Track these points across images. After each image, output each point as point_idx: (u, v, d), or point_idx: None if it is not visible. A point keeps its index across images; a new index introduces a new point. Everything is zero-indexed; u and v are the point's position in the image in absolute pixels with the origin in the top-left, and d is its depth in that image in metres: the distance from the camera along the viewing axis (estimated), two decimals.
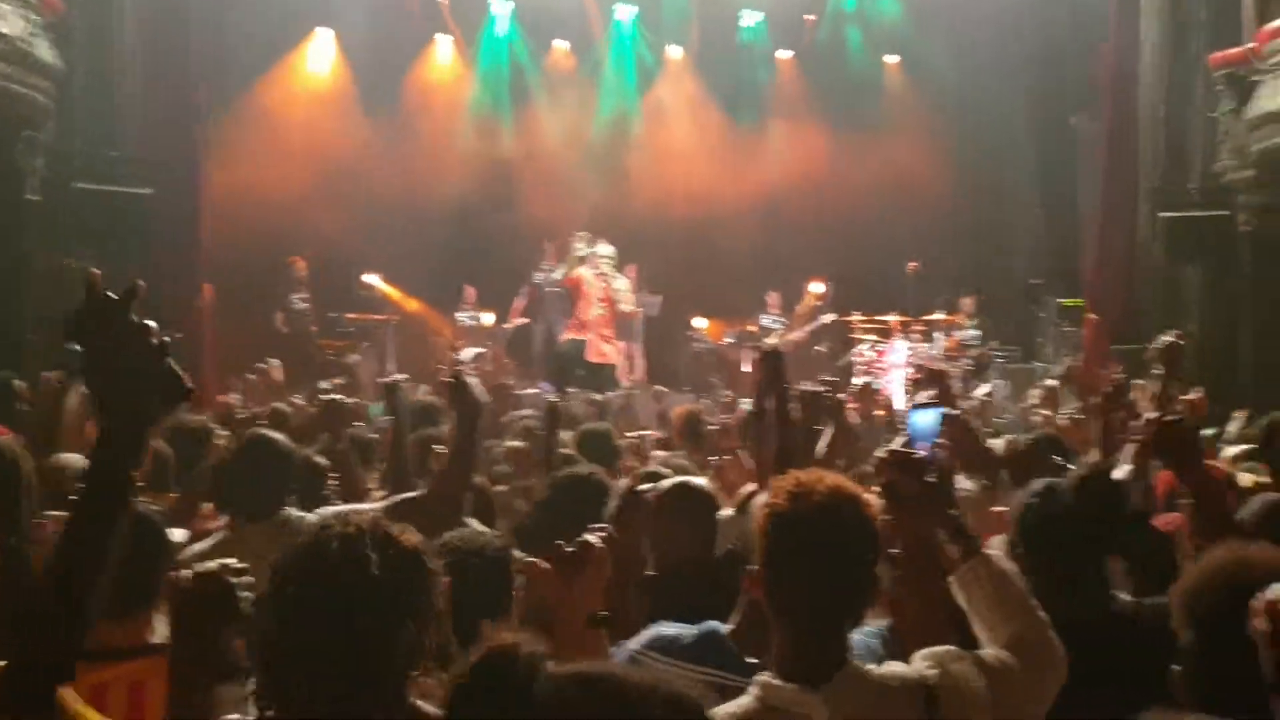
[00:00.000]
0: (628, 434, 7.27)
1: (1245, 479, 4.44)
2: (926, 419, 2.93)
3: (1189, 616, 2.09)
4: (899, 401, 11.84)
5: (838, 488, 2.10)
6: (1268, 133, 11.60)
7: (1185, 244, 12.79)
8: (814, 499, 2.06)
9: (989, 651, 2.17)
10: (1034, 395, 9.95)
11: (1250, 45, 12.02)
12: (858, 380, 13.61)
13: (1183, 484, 3.18)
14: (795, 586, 2.05)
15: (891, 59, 16.65)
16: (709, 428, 6.60)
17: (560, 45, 16.65)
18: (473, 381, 3.71)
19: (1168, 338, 5.42)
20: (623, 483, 3.12)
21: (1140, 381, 6.97)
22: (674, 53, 16.75)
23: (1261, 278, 12.14)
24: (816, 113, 15.85)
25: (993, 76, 14.98)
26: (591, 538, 2.13)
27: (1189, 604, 2.10)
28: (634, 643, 2.50)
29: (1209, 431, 6.77)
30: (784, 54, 16.93)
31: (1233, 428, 6.89)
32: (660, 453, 6.26)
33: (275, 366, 8.38)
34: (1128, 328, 13.01)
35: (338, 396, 5.51)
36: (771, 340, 14.24)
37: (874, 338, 14.48)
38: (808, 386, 3.05)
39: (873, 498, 2.18)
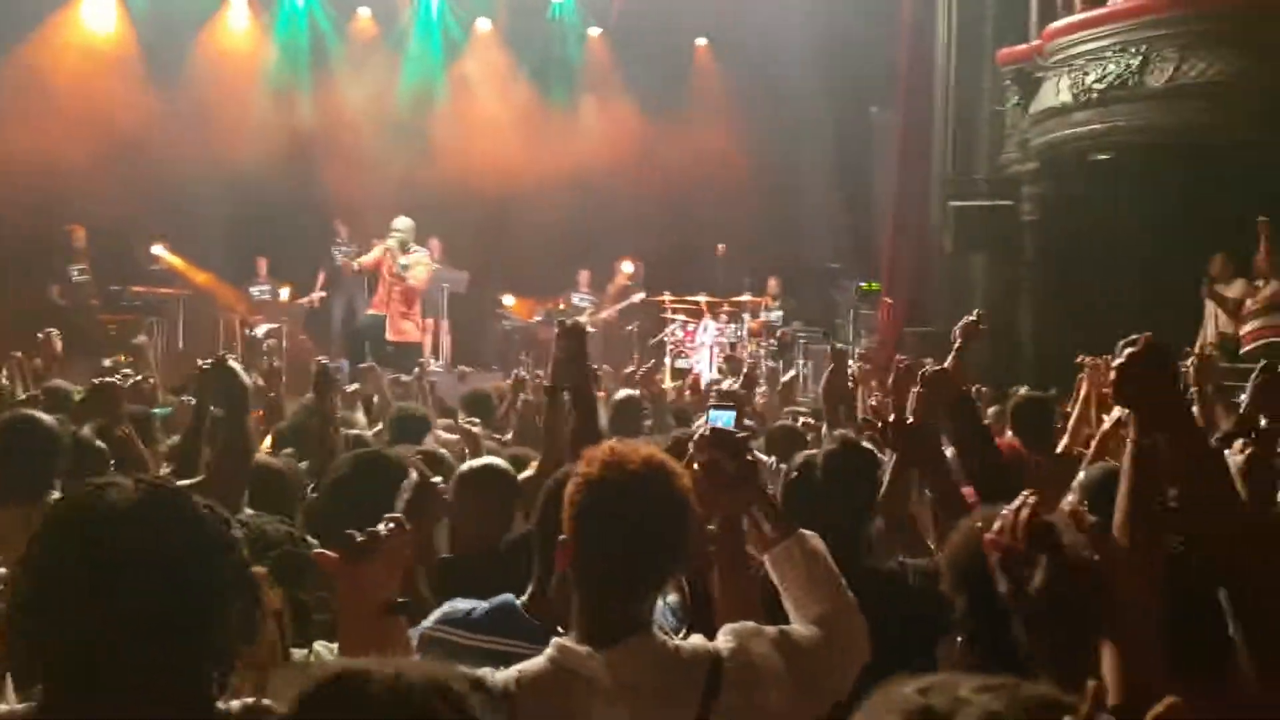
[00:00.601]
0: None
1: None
2: (723, 418, 2.94)
3: (957, 582, 2.13)
4: (705, 379, 11.99)
5: (651, 458, 2.09)
6: (1049, 127, 12.27)
7: (973, 232, 13.39)
8: (627, 468, 2.06)
9: (796, 628, 2.20)
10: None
11: (1035, 43, 12.68)
12: (668, 360, 13.85)
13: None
14: (601, 553, 2.05)
15: (700, 41, 16.82)
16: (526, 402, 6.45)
17: (363, 13, 16.12)
18: (237, 366, 3.57)
19: (970, 318, 5.66)
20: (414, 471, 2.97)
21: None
22: (483, 25, 16.45)
23: (1042, 265, 12.85)
24: (627, 91, 15.85)
25: (797, 64, 15.31)
26: (381, 528, 2.02)
27: (954, 569, 2.15)
28: (426, 621, 2.46)
29: (994, 409, 7.10)
30: (594, 31, 16.88)
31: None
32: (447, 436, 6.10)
33: (55, 335, 7.74)
34: (920, 311, 13.58)
35: (110, 379, 5.14)
36: (581, 318, 14.23)
37: (683, 318, 14.65)
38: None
39: (683, 469, 2.17)
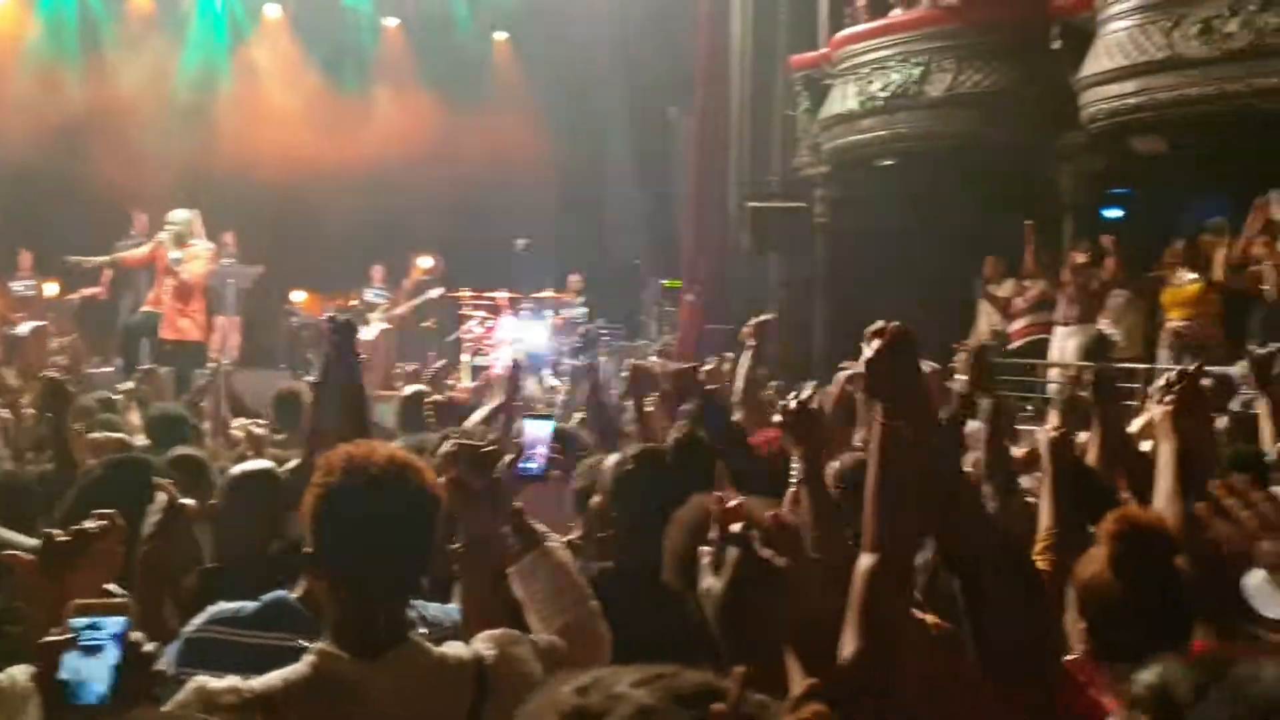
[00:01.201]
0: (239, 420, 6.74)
1: None
2: (539, 428, 2.87)
3: (678, 576, 2.16)
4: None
5: (393, 459, 2.02)
6: (838, 133, 12.70)
7: (769, 232, 13.73)
8: (368, 472, 1.99)
9: (542, 637, 2.20)
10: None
11: (824, 51, 13.09)
12: (466, 357, 13.64)
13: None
14: (350, 560, 1.98)
15: (500, 35, 16.66)
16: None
17: None
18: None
19: (764, 317, 5.79)
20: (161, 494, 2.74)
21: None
22: (272, 11, 15.82)
23: (833, 264, 13.30)
24: (424, 84, 15.54)
25: (597, 63, 15.38)
26: (90, 524, 1.85)
27: (673, 562, 2.18)
28: (192, 623, 2.32)
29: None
30: (390, 21, 16.47)
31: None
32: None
33: None
34: (721, 308, 13.83)
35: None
36: (375, 315, 13.85)
37: (483, 314, 14.46)
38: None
39: (427, 467, 2.11)
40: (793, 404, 2.98)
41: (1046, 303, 10.15)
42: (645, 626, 2.21)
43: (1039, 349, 10.04)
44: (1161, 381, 2.37)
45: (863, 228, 12.54)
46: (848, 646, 1.94)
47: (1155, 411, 2.22)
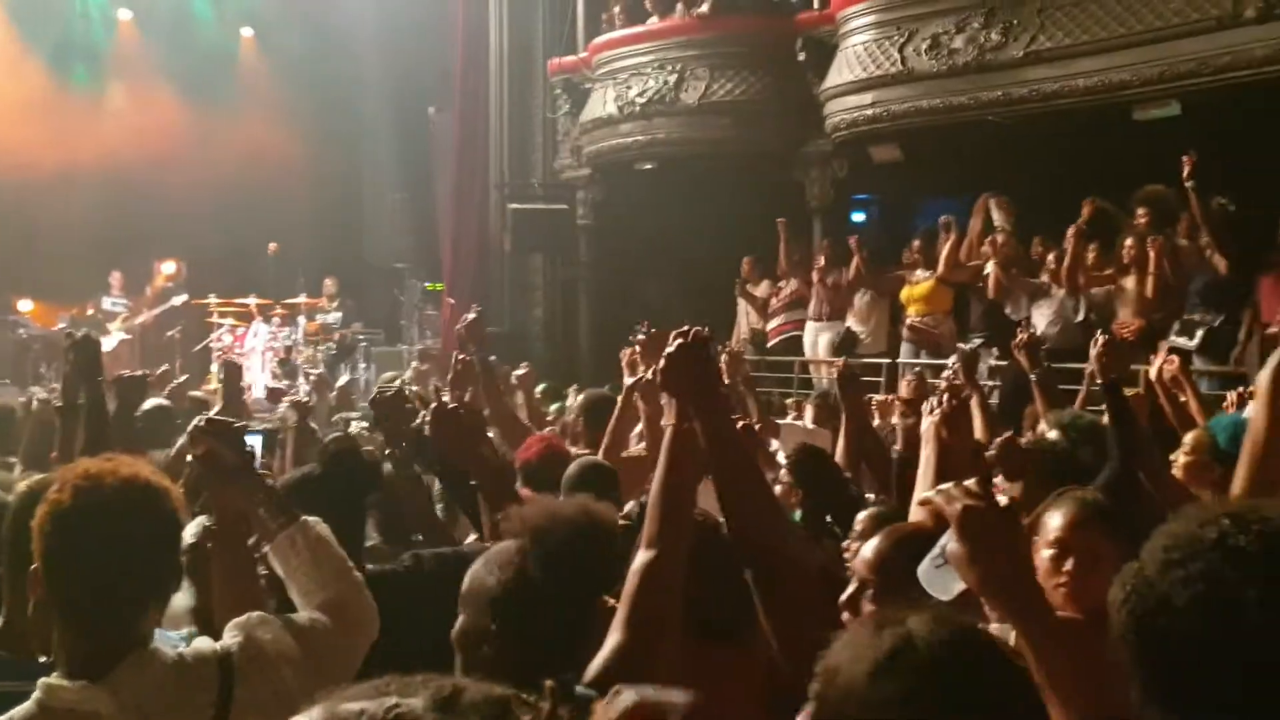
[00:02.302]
0: None
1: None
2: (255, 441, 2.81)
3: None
4: (259, 389, 11.37)
5: (131, 478, 1.94)
6: (598, 136, 12.84)
7: (531, 234, 13.73)
8: (103, 491, 1.90)
9: (303, 614, 2.16)
10: (405, 377, 10.06)
11: (583, 56, 13.22)
12: (215, 366, 12.97)
13: None
14: (80, 579, 1.89)
15: (247, 31, 15.94)
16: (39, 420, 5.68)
17: None
18: None
19: (470, 315, 5.76)
20: None
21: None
22: None
23: (597, 267, 13.44)
24: (165, 80, 14.67)
25: (353, 61, 14.96)
26: None
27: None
28: None
29: (555, 406, 7.27)
30: (125, 14, 15.47)
31: (570, 402, 7.47)
32: None
33: None
34: (483, 311, 13.68)
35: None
36: (115, 325, 12.99)
37: (232, 321, 13.81)
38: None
39: (172, 485, 2.03)
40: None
41: (800, 301, 10.60)
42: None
43: (795, 346, 10.49)
44: (935, 399, 2.52)
45: (625, 230, 12.74)
46: (612, 636, 1.98)
47: (924, 424, 2.37)
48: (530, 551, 1.95)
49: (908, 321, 9.55)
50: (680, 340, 2.16)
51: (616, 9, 12.99)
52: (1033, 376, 4.98)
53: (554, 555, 1.94)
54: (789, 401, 7.74)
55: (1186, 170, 7.61)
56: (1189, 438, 4.17)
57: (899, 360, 9.29)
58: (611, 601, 2.13)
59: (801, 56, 11.02)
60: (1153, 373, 5.09)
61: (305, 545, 2.20)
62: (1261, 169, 8.99)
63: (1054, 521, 2.59)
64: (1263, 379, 2.51)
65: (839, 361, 5.95)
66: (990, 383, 8.23)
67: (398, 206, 15.57)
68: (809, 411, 6.33)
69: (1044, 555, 2.55)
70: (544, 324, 13.81)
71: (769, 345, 10.80)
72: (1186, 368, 5.09)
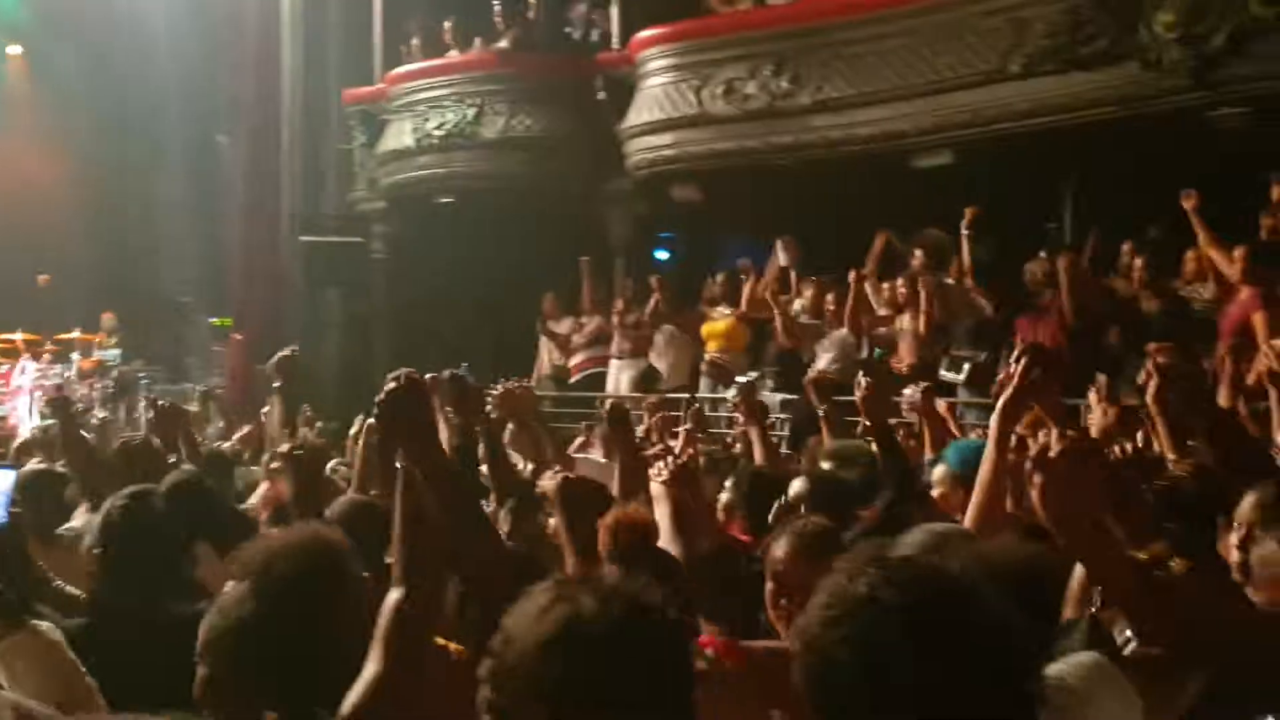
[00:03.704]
0: None
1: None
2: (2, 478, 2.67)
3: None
4: (25, 429, 10.60)
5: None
6: (396, 169, 12.66)
7: (324, 268, 13.39)
8: None
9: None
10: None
11: (380, 86, 13.02)
12: None
13: None
14: None
15: (14, 50, 14.96)
16: None
17: None
18: None
19: (283, 353, 5.61)
20: None
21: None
22: None
23: (394, 302, 13.20)
24: None
25: (137, 85, 14.23)
26: None
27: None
28: None
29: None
30: None
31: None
32: None
33: None
34: (273, 347, 13.19)
35: None
36: None
37: None
38: None
39: None
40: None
41: (603, 338, 10.71)
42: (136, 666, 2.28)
43: (598, 382, 10.57)
44: (660, 465, 2.61)
45: (423, 264, 12.56)
46: (369, 668, 2.01)
47: (653, 486, 2.49)
48: (254, 589, 1.95)
49: (707, 358, 9.79)
50: (394, 385, 2.20)
51: (415, 40, 12.88)
52: (820, 411, 5.26)
53: (276, 591, 1.94)
54: (579, 436, 7.80)
55: (966, 219, 8.13)
56: (934, 473, 4.47)
57: (699, 395, 9.51)
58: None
59: (602, 95, 11.20)
60: (903, 406, 5.44)
61: (35, 652, 2.13)
62: (1025, 215, 9.72)
63: (775, 553, 2.72)
64: (992, 423, 2.71)
65: (651, 398, 6.06)
66: (782, 415, 8.58)
67: (185, 236, 14.86)
68: (597, 445, 6.40)
69: (769, 586, 2.67)
70: (338, 361, 13.44)
71: (571, 381, 10.85)
72: (931, 400, 5.48)
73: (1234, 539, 2.61)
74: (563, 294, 11.25)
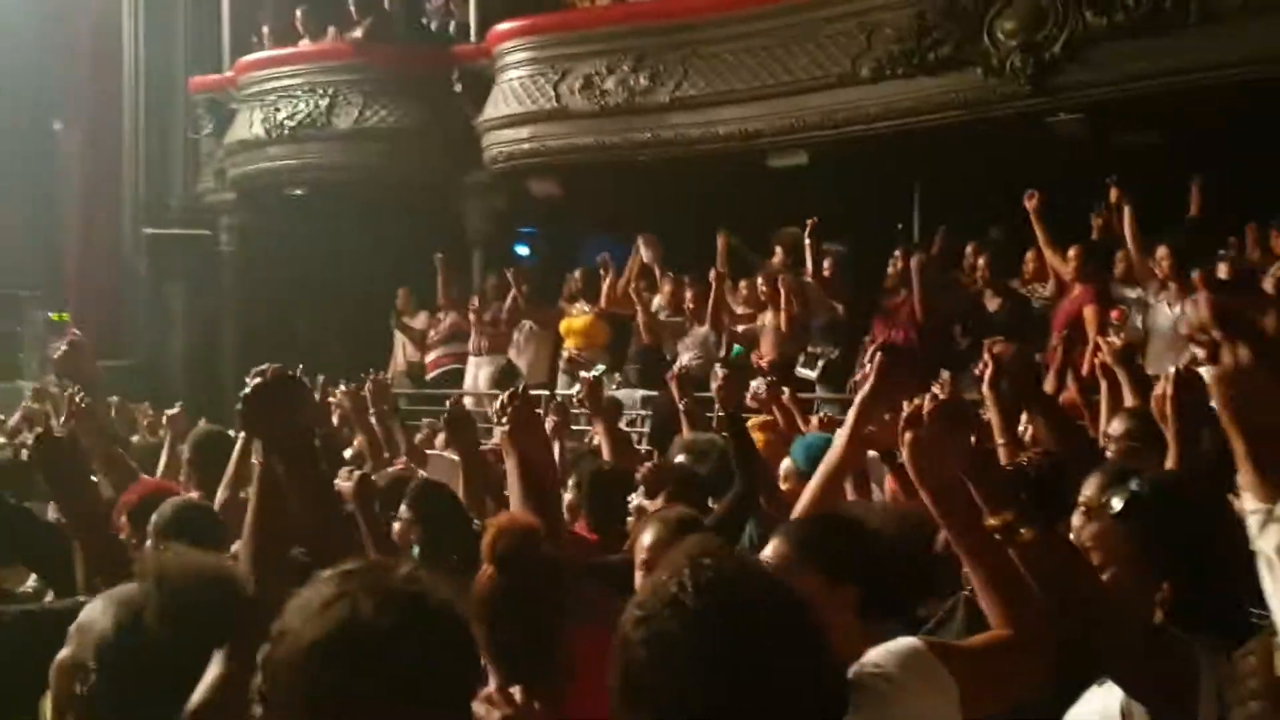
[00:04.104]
0: None
1: None
2: None
3: None
4: None
5: None
6: (245, 159, 12.24)
7: (170, 260, 12.91)
8: None
9: None
10: (15, 417, 9.07)
11: (228, 74, 12.58)
12: None
13: None
14: None
15: None
16: None
17: None
18: None
19: (69, 339, 5.35)
20: None
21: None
22: None
23: (242, 296, 12.78)
24: None
25: None
26: None
27: None
28: None
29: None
30: None
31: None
32: None
33: None
34: (115, 342, 12.66)
35: None
36: None
37: None
38: None
39: None
40: None
41: (460, 334, 10.55)
42: None
43: (455, 379, 10.41)
44: (497, 405, 2.58)
45: (275, 258, 12.19)
46: (214, 668, 1.91)
47: (497, 432, 2.44)
48: (152, 596, 1.85)
49: (566, 355, 9.73)
50: (259, 379, 2.15)
51: (265, 28, 12.49)
52: (682, 406, 5.32)
53: (175, 604, 1.84)
54: (422, 431, 7.69)
55: (809, 227, 8.27)
56: (782, 466, 4.55)
57: (558, 392, 9.46)
58: None
59: (459, 88, 11.03)
60: (748, 399, 5.57)
61: None
62: (876, 216, 9.96)
63: (643, 540, 2.77)
64: (849, 417, 2.76)
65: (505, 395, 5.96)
66: (643, 412, 8.61)
67: (18, 228, 14.07)
68: (442, 438, 6.31)
69: (638, 575, 2.70)
70: (184, 358, 12.94)
71: (428, 378, 10.66)
72: (776, 393, 5.61)
73: (1076, 519, 2.72)
74: (418, 289, 11.05)
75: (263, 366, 2.19)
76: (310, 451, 2.23)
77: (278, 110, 11.80)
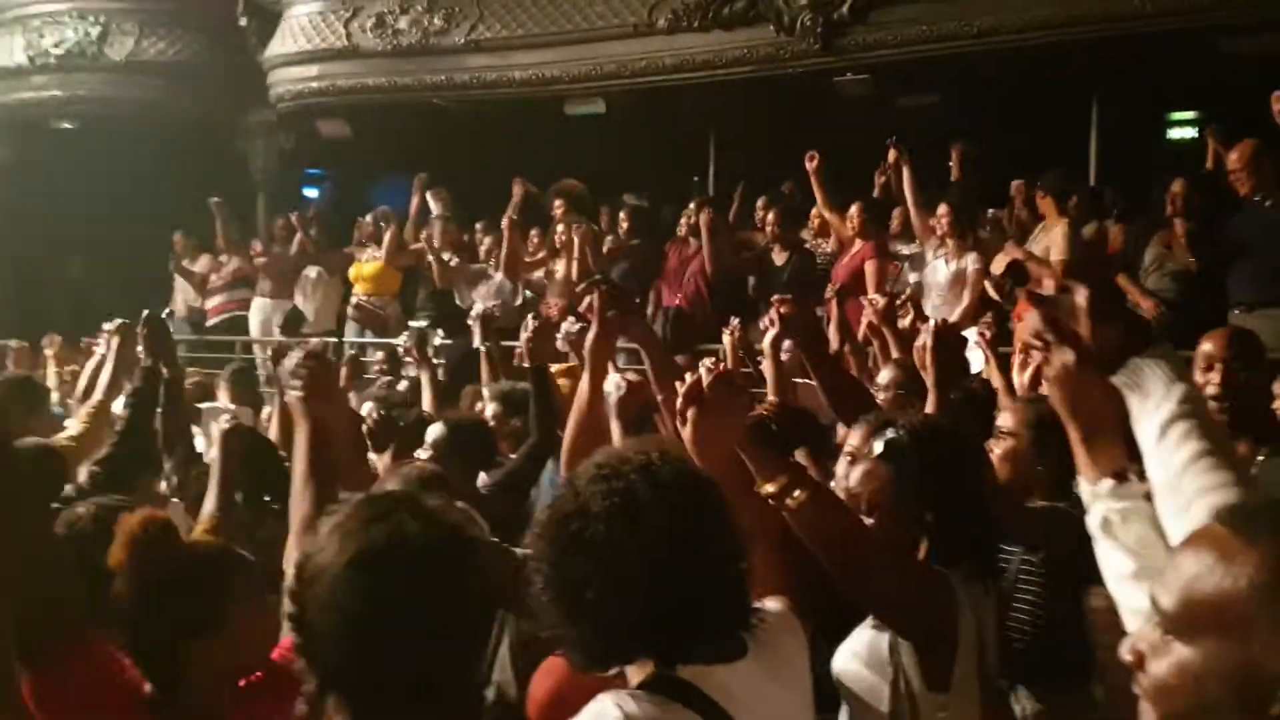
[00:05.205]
0: None
1: None
2: None
3: None
4: None
5: None
6: (4, 88, 11.31)
7: None
8: None
9: None
10: None
11: None
12: None
13: None
14: None
15: None
16: None
17: None
18: None
19: None
20: None
21: None
22: None
23: (7, 240, 11.84)
24: None
25: None
26: None
27: None
28: None
29: None
30: None
31: None
32: None
33: None
34: None
35: None
36: None
37: None
38: None
39: None
40: None
41: (244, 279, 10.08)
42: None
43: (239, 325, 9.96)
44: (288, 366, 2.45)
45: (42, 197, 11.32)
46: None
47: (289, 396, 2.28)
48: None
49: (354, 301, 9.45)
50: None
51: None
52: (484, 348, 5.40)
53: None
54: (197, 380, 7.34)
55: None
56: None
57: (344, 339, 9.18)
58: None
59: (243, 22, 10.46)
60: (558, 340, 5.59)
61: None
62: (672, 168, 10.03)
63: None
64: (586, 357, 2.78)
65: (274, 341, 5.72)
66: (437, 360, 8.44)
67: None
68: (223, 390, 6.05)
69: None
70: None
71: (209, 325, 10.15)
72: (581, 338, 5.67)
73: (840, 466, 2.81)
74: (199, 231, 10.48)
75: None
76: None
77: (42, 36, 10.94)
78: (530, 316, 4.60)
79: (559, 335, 5.54)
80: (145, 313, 4.24)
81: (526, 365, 4.47)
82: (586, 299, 2.76)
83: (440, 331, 8.68)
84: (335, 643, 1.34)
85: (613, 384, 2.62)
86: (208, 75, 10.63)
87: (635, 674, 1.58)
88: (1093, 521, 1.58)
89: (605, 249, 8.39)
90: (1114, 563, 1.55)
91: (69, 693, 1.90)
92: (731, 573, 1.57)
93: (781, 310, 3.67)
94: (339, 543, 1.36)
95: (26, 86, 11.11)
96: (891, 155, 7.67)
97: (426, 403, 5.20)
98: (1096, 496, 1.57)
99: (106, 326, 4.85)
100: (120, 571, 2.01)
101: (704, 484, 1.60)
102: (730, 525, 1.58)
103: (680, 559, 1.51)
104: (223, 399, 6.01)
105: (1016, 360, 3.98)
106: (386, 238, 9.30)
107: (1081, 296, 1.62)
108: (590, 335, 2.71)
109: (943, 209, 6.91)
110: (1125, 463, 1.58)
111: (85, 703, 1.92)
